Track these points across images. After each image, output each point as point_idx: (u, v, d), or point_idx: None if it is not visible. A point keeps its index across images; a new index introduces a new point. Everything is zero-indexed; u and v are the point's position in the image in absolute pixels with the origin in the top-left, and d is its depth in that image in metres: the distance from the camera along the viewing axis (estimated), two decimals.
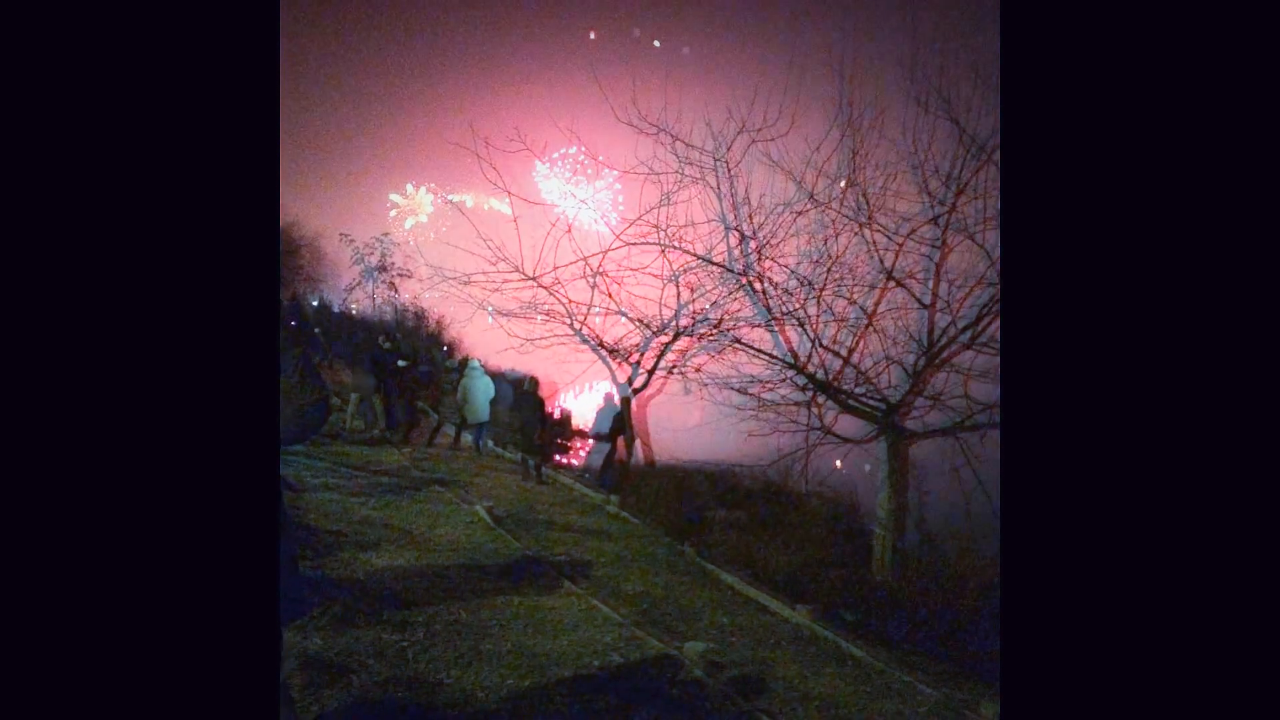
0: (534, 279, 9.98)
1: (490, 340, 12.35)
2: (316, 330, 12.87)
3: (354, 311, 20.79)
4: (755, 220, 7.67)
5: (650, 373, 10.82)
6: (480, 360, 11.20)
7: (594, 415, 10.39)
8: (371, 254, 17.77)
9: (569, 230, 9.56)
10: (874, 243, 6.98)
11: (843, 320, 7.61)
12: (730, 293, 8.74)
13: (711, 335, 9.18)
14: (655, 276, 9.50)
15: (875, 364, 7.50)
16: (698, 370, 10.03)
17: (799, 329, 7.54)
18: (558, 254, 9.70)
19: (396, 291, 17.77)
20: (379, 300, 17.58)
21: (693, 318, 9.55)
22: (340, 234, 20.62)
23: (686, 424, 16.24)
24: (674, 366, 10.57)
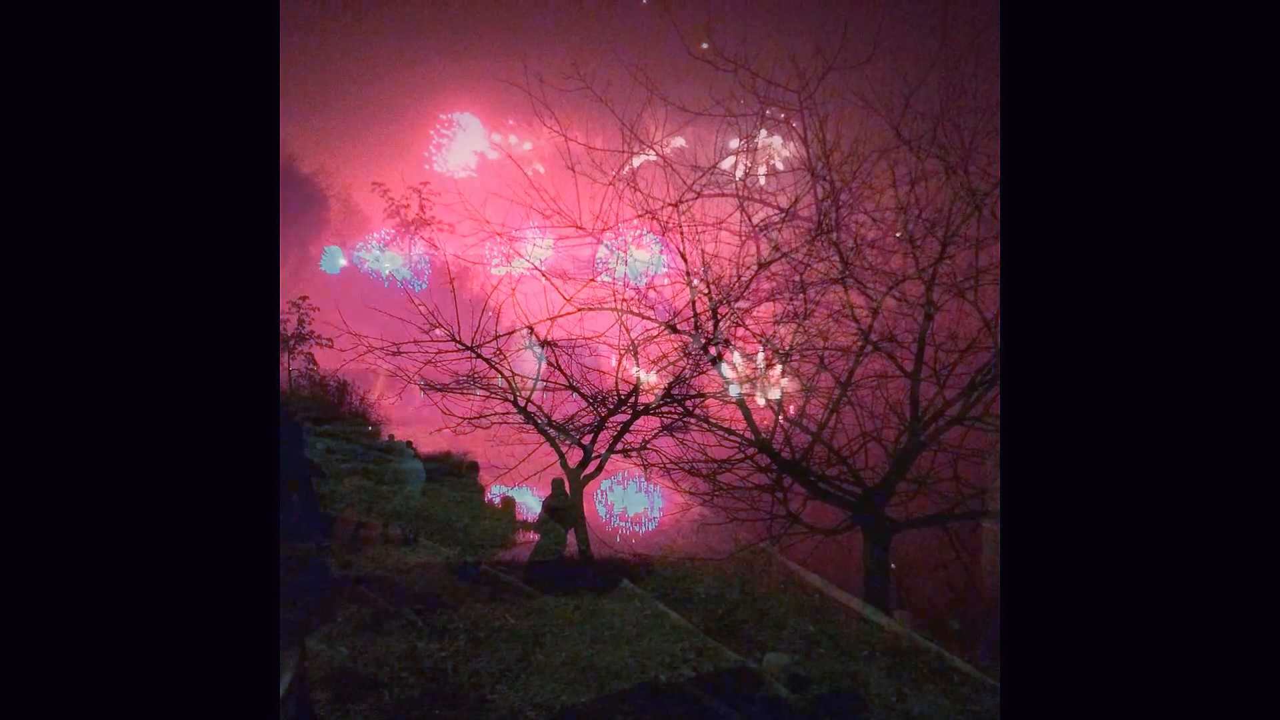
0: (473, 349, 9.03)
1: (422, 419, 11.30)
2: None
3: None
4: (722, 283, 7.05)
5: (604, 458, 9.83)
6: (409, 441, 10.14)
7: (540, 505, 9.25)
8: (292, 316, 15.61)
9: (513, 293, 8.74)
10: (850, 302, 6.38)
11: (811, 390, 6.90)
12: (697, 365, 7.97)
13: (674, 413, 8.31)
14: (610, 346, 8.72)
15: (851, 441, 6.78)
16: (655, 452, 9.11)
17: (762, 400, 6.81)
18: (499, 321, 8.89)
19: (315, 364, 15.69)
20: (295, 373, 15.48)
21: (654, 393, 8.70)
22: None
23: (631, 511, 15.15)
24: (630, 449, 9.58)
